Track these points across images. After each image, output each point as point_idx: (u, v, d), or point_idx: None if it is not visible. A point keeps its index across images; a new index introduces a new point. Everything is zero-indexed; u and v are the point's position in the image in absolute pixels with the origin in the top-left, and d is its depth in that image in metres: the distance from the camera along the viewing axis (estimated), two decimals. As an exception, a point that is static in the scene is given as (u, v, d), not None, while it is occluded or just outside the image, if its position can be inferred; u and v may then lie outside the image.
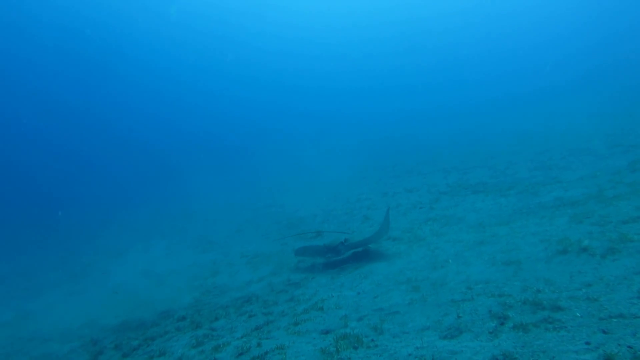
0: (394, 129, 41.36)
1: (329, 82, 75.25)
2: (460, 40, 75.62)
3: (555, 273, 5.79)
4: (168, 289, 10.68)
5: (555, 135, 19.85)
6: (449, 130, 32.81)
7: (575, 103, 29.77)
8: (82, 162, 49.92)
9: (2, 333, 9.88)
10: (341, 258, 9.58)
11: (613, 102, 25.55)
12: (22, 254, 19.98)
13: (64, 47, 57.85)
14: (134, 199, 32.01)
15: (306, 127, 50.80)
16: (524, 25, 69.43)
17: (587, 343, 3.97)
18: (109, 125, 58.89)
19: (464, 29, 77.03)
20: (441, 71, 67.57)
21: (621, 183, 9.63)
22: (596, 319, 4.38)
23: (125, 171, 44.21)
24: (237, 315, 7.40)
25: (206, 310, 8.32)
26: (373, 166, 24.97)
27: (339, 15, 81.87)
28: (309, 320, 6.32)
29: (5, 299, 13.41)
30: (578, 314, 4.55)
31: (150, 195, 31.40)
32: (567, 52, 54.96)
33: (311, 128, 49.74)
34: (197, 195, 26.58)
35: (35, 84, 55.90)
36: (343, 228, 13.00)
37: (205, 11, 72.04)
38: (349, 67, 78.18)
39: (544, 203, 9.76)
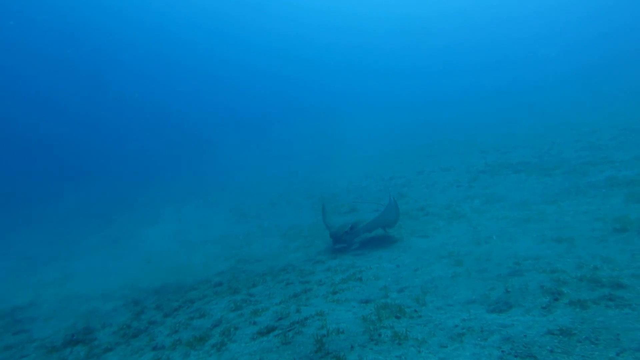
0: (429, 109, 40.40)
1: (371, 60, 73.76)
2: (493, 21, 72.40)
3: (613, 251, 5.46)
4: (203, 257, 10.85)
5: (601, 116, 18.84)
6: (485, 112, 31.78)
7: (614, 83, 28.28)
8: (123, 136, 51.28)
9: (49, 291, 10.34)
10: (349, 246, 8.83)
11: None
12: (64, 221, 20.82)
13: (100, 25, 58.90)
14: (171, 171, 32.74)
15: (343, 106, 50.31)
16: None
17: (656, 321, 3.71)
18: (148, 101, 60.04)
19: (499, 6, 73.52)
20: (477, 52, 65.25)
21: (682, 164, 9.00)
22: (664, 297, 4.08)
23: (164, 146, 45.27)
24: (274, 282, 7.41)
25: (243, 277, 8.39)
26: (407, 146, 24.51)
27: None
28: (348, 289, 6.24)
29: (50, 260, 14.03)
30: (643, 292, 4.26)
31: (186, 169, 32.02)
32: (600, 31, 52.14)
33: (347, 107, 49.22)
34: (232, 169, 26.89)
35: (72, 60, 57.35)
36: (377, 205, 12.83)
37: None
38: (395, 44, 75.99)
39: (595, 182, 9.25)
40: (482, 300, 5.01)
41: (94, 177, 33.35)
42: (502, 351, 3.77)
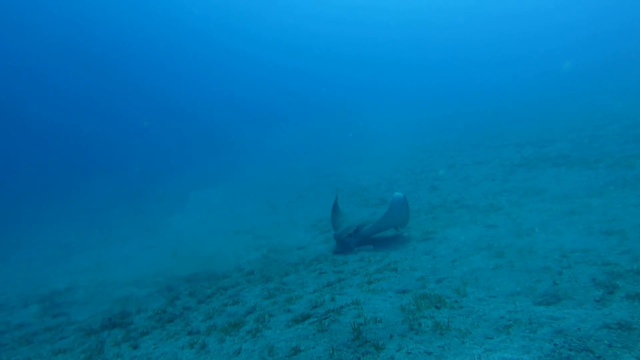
0: (456, 104, 39.52)
1: (397, 54, 72.80)
2: (527, 11, 70.03)
3: (671, 244, 5.12)
4: (234, 246, 10.90)
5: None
6: (517, 105, 30.81)
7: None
8: (155, 131, 52.41)
9: (85, 277, 10.61)
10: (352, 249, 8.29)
11: None
12: (96, 211, 21.39)
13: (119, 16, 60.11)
14: (202, 163, 33.20)
15: (368, 100, 49.88)
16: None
17: None
18: (177, 100, 61.18)
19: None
20: (508, 45, 63.39)
21: None
22: None
23: (194, 140, 46.07)
24: (307, 272, 7.33)
25: (274, 266, 8.36)
26: (436, 140, 24.00)
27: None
28: (383, 279, 6.09)
29: (84, 248, 14.43)
30: None
31: (215, 162, 32.39)
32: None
33: (373, 102, 48.78)
34: (260, 162, 27.05)
35: (93, 52, 58.81)
36: (408, 197, 12.57)
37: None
38: (421, 36, 74.69)
39: (644, 175, 8.76)
40: (527, 292, 4.78)
41: (126, 170, 34.29)
42: (555, 344, 3.55)
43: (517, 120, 24.43)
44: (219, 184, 21.72)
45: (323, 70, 71.69)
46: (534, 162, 13.17)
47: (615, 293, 4.23)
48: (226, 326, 5.21)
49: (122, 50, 62.18)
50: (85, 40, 57.84)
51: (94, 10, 57.04)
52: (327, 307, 5.27)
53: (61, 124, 52.49)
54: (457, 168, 15.35)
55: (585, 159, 11.80)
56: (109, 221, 18.93)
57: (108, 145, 47.59)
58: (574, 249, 5.69)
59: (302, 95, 61.54)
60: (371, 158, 21.64)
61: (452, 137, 23.95)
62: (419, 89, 53.05)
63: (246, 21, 72.15)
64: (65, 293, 9.38)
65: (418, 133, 27.35)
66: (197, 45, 69.37)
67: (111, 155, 43.40)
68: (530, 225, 7.17)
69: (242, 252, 10.31)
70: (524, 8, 70.26)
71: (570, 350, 3.42)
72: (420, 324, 4.32)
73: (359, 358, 3.90)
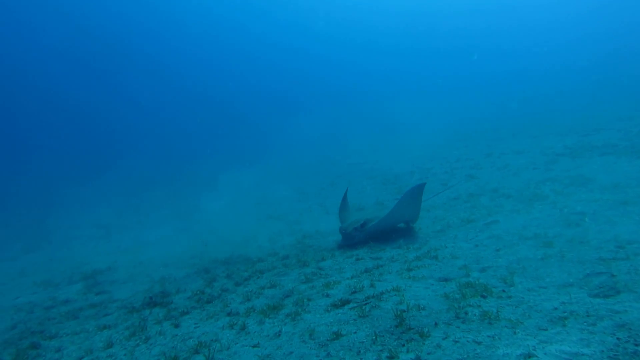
0: (492, 92, 38.28)
1: (430, 43, 71.15)
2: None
3: None
4: (268, 231, 10.94)
5: None
6: (558, 94, 29.53)
7: None
8: (192, 121, 53.29)
9: (125, 257, 10.91)
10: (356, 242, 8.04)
11: None
12: (134, 194, 21.98)
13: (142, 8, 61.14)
14: (235, 150, 33.57)
15: (401, 90, 49.11)
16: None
17: None
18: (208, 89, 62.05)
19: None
20: (548, 32, 60.71)
21: None
22: None
23: (227, 128, 46.68)
24: (344, 257, 7.24)
25: (310, 251, 8.32)
26: (471, 129, 23.31)
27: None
28: (423, 267, 5.93)
29: (123, 229, 14.87)
30: None
31: (250, 150, 32.64)
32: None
33: (405, 91, 47.98)
34: (292, 148, 27.09)
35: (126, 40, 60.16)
36: (443, 187, 12.28)
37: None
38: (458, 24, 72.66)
39: None
40: (581, 284, 4.52)
41: (162, 155, 35.15)
42: (618, 338, 3.33)
43: (557, 109, 23.42)
44: (251, 167, 22.01)
45: (358, 59, 70.81)
46: (579, 151, 12.56)
47: (682, 287, 3.94)
48: (265, 309, 5.20)
49: (160, 42, 63.61)
50: (128, 32, 59.50)
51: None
52: (367, 293, 5.18)
53: (99, 108, 54.35)
54: (494, 157, 14.85)
55: (636, 148, 11.15)
56: (143, 204, 19.41)
57: (142, 131, 48.98)
58: (631, 240, 5.36)
59: (336, 85, 61.06)
60: (404, 146, 21.26)
61: (489, 125, 23.23)
62: (455, 78, 51.69)
63: (293, 13, 72.17)
64: (107, 272, 9.67)
65: (453, 121, 26.65)
66: (232, 36, 70.07)
67: (144, 139, 44.62)
68: (580, 215, 6.82)
69: (276, 237, 10.34)
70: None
71: (636, 345, 3.20)
72: (467, 313, 4.17)
73: (404, 345, 3.78)
